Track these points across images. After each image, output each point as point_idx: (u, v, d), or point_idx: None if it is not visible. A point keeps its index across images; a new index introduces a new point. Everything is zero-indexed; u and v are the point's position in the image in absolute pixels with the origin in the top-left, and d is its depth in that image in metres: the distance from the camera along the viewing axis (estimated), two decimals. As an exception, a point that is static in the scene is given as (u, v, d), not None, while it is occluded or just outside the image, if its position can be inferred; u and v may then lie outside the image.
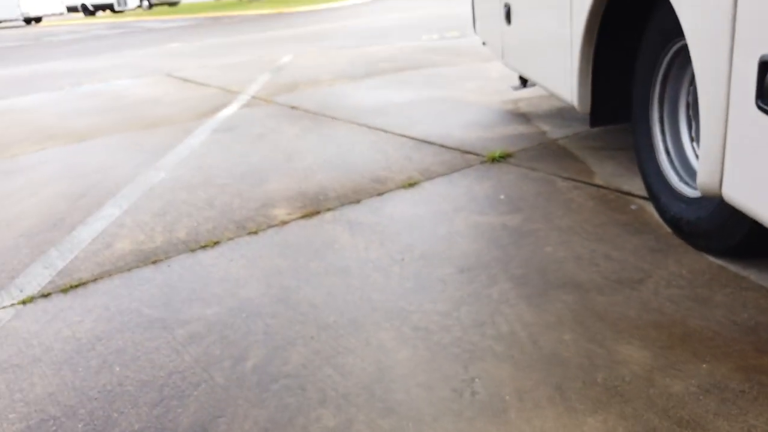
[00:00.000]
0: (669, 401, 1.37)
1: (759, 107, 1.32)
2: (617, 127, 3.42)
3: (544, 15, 2.81)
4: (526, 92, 4.30)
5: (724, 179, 1.50)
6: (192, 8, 27.15)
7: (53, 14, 29.39)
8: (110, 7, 31.75)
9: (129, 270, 2.29)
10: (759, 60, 1.30)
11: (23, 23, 29.11)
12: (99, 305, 2.06)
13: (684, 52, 1.92)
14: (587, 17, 2.29)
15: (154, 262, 2.33)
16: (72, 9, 33.31)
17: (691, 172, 2.03)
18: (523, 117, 3.84)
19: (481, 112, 4.05)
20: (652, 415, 1.34)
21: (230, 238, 2.47)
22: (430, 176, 2.92)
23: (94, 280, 2.24)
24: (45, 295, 2.17)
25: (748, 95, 1.35)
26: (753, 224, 1.71)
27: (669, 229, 2.12)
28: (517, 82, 4.14)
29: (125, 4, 31.03)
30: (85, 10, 32.65)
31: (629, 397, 1.40)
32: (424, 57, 6.76)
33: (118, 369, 1.71)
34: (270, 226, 2.55)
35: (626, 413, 1.35)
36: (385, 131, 3.81)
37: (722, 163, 1.49)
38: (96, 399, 1.60)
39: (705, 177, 1.57)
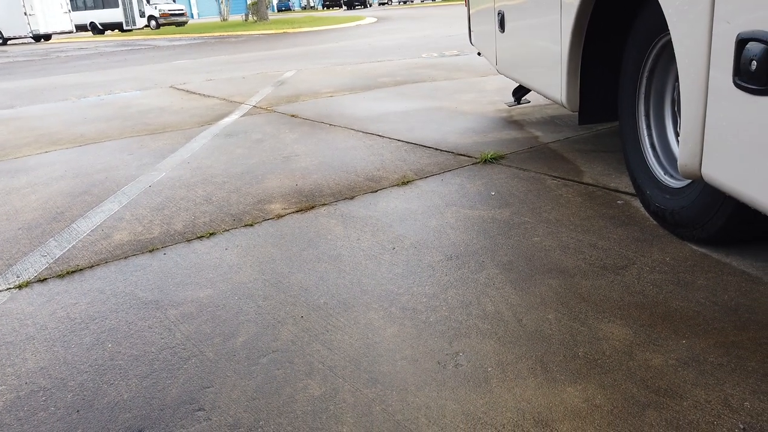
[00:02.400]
0: (648, 372, 1.40)
1: (736, 85, 1.37)
2: (608, 131, 3.48)
3: (535, 19, 2.90)
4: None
5: (704, 160, 1.55)
6: (199, 28, 27.62)
7: (62, 32, 29.88)
8: (119, 26, 32.32)
9: (125, 258, 2.33)
10: (736, 38, 1.35)
11: (32, 40, 29.59)
12: (94, 289, 2.10)
13: (669, 47, 1.98)
14: (575, 18, 2.37)
15: (150, 251, 2.37)
16: (81, 27, 33.89)
17: (676, 165, 2.08)
18: (517, 124, 3.91)
19: (476, 120, 4.12)
20: (631, 385, 1.37)
21: (226, 230, 2.52)
22: (423, 175, 2.98)
23: (91, 267, 2.28)
24: (41, 280, 2.20)
25: (726, 73, 1.40)
26: (733, 211, 1.75)
27: (654, 222, 2.16)
28: (512, 99, 4.22)
29: (133, 23, 31.58)
30: (93, 28, 33.22)
31: (609, 369, 1.43)
32: (423, 72, 6.87)
33: (110, 346, 1.74)
34: (265, 220, 2.60)
35: (605, 383, 1.38)
36: (382, 136, 3.87)
37: (702, 144, 1.54)
38: (87, 372, 1.62)
39: (686, 159, 1.61)
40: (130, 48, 18.07)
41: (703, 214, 1.84)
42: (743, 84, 1.33)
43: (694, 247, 1.96)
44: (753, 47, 1.29)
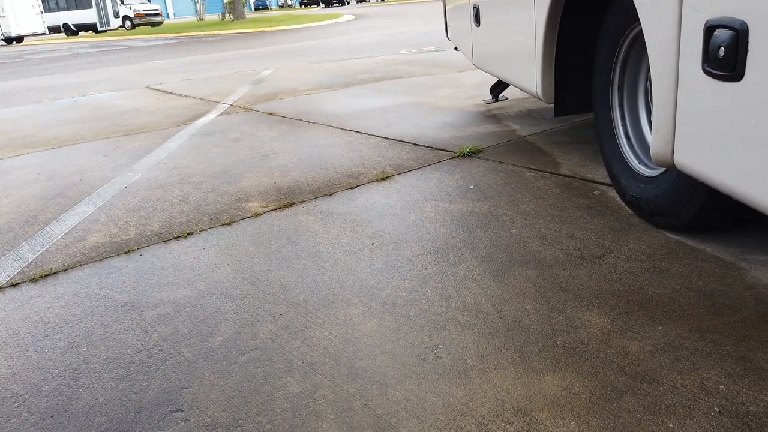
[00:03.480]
0: (625, 359, 1.41)
1: (705, 72, 1.38)
2: (584, 123, 3.51)
3: (509, 13, 2.90)
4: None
5: (676, 147, 1.56)
6: (175, 28, 27.29)
7: (35, 34, 29.32)
8: (92, 27, 31.80)
9: (100, 260, 2.29)
10: (705, 25, 1.36)
11: (4, 43, 28.99)
12: (68, 292, 2.06)
13: (641, 38, 2.00)
14: (548, 11, 2.38)
15: (126, 252, 2.33)
16: (54, 29, 33.28)
17: (650, 154, 2.10)
18: (494, 118, 3.92)
19: (455, 115, 4.12)
20: (609, 372, 1.38)
21: (203, 229, 2.48)
22: (402, 171, 2.97)
23: (65, 270, 2.24)
24: (13, 285, 2.16)
25: (695, 61, 1.42)
26: (706, 199, 1.77)
27: (630, 211, 2.18)
28: (490, 96, 4.24)
29: (108, 23, 31.09)
30: (67, 30, 32.65)
31: (587, 357, 1.44)
32: (402, 68, 6.87)
33: (85, 349, 1.71)
34: (244, 218, 2.57)
35: (583, 371, 1.39)
36: (361, 133, 3.86)
37: (673, 132, 1.56)
38: (61, 376, 1.59)
39: (658, 147, 1.63)
40: (104, 49, 17.80)
41: (677, 202, 1.86)
42: (712, 71, 1.35)
43: (669, 235, 1.98)
44: (721, 34, 1.30)
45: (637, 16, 1.73)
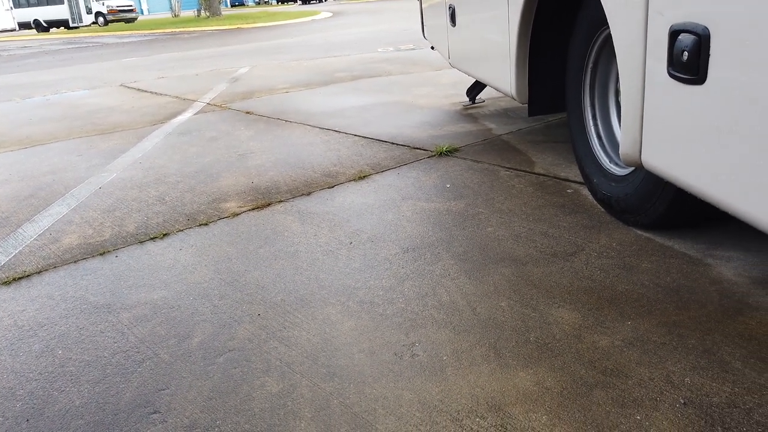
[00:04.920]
0: (595, 354, 1.45)
1: (670, 75, 1.43)
2: (558, 122, 3.57)
3: (484, 13, 2.94)
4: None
5: (643, 147, 1.61)
6: (149, 24, 26.89)
7: (3, 30, 28.64)
8: (64, 23, 31.15)
9: (75, 262, 2.27)
10: (669, 29, 1.41)
11: (-29, 40, 28.21)
12: (42, 295, 2.04)
13: (610, 40, 2.05)
14: (522, 11, 2.42)
15: (101, 254, 2.31)
16: (24, 25, 32.53)
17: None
18: (471, 117, 3.96)
19: (432, 114, 4.16)
20: (579, 366, 1.42)
21: (180, 230, 2.47)
22: (380, 170, 2.99)
23: (39, 272, 2.21)
24: (-14, 288, 2.13)
25: (661, 64, 1.46)
26: (673, 197, 1.82)
27: (601, 209, 2.24)
28: (466, 99, 4.27)
29: (80, 20, 30.48)
30: (38, 26, 31.92)
31: (559, 352, 1.47)
32: (380, 66, 6.88)
33: (60, 352, 1.70)
34: (221, 218, 2.57)
35: (555, 366, 1.43)
36: (338, 132, 3.87)
37: (641, 132, 1.60)
38: (36, 380, 1.58)
39: (627, 147, 1.68)
40: (77, 46, 17.47)
41: (646, 201, 1.92)
42: (676, 74, 1.39)
43: (639, 232, 2.04)
44: (684, 38, 1.34)
45: (606, 19, 1.77)
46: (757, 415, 1.21)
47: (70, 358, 1.66)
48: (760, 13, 1.13)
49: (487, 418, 1.28)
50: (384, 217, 2.40)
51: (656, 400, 1.28)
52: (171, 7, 33.92)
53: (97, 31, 25.50)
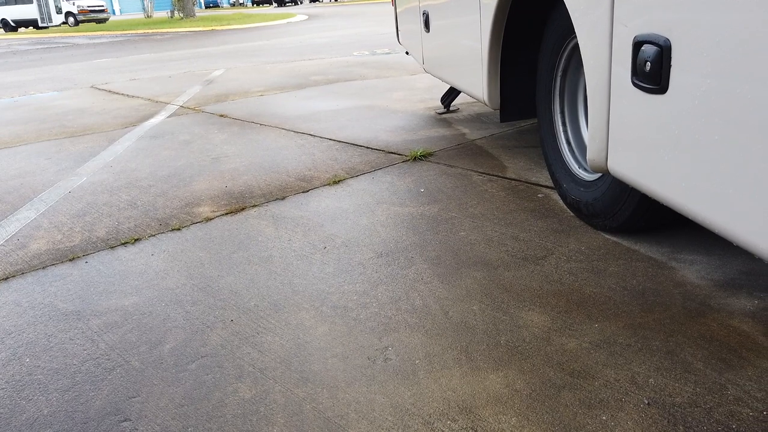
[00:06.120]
0: (564, 356, 1.49)
1: (634, 84, 1.47)
2: (530, 127, 3.63)
3: (457, 19, 2.98)
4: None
5: (609, 154, 1.65)
6: (121, 25, 26.47)
7: (-31, 30, 27.87)
8: (33, 23, 30.48)
9: (44, 268, 2.23)
10: (633, 40, 1.45)
11: (-65, 39, 27.41)
12: (9, 302, 2.00)
13: (579, 49, 2.09)
14: (493, 19, 2.46)
15: (71, 260, 2.28)
16: (-10, 25, 31.72)
17: (589, 159, 2.20)
18: (445, 122, 4.00)
19: (406, 118, 4.19)
20: (548, 369, 1.45)
21: (152, 235, 2.45)
22: (354, 174, 3.00)
23: (5, 278, 2.17)
24: (-49, 295, 2.08)
25: (625, 74, 1.51)
26: (639, 202, 1.87)
27: (571, 213, 2.28)
28: (441, 106, 4.31)
29: (50, 20, 29.84)
30: (5, 25, 31.16)
31: (528, 355, 1.50)
32: (355, 70, 6.90)
33: (28, 360, 1.67)
34: (194, 223, 2.55)
35: (525, 368, 1.46)
36: (313, 135, 3.87)
37: (607, 139, 1.65)
38: (3, 389, 1.55)
39: (594, 154, 1.72)
40: (46, 46, 17.11)
41: (613, 205, 1.96)
42: (640, 83, 1.44)
43: (607, 236, 2.09)
44: (647, 49, 1.39)
45: (574, 28, 1.81)
46: (717, 414, 1.25)
47: (38, 366, 1.64)
48: (718, 26, 1.18)
49: (458, 420, 1.30)
50: (358, 221, 2.42)
51: (621, 400, 1.32)
52: (143, 8, 33.47)
53: (68, 32, 25.02)
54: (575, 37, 2.04)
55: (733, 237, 1.23)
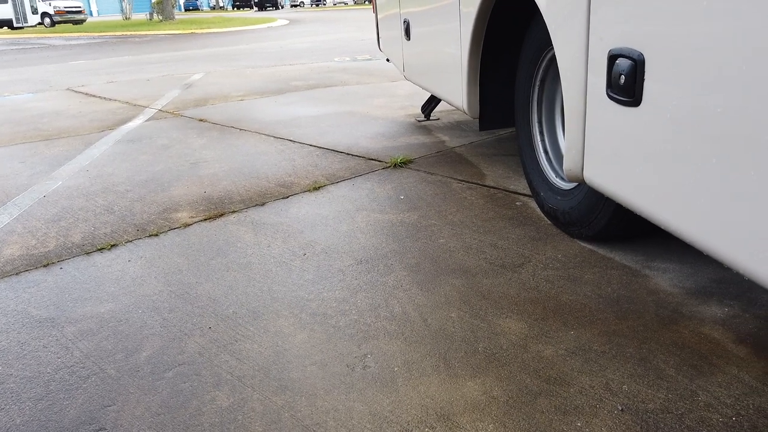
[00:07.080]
0: (540, 363, 1.51)
1: (609, 96, 1.51)
2: (509, 136, 3.68)
3: (437, 27, 3.01)
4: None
5: (585, 164, 1.69)
6: (99, 26, 26.12)
7: (-59, 29, 27.26)
8: (8, 23, 29.91)
9: (17, 274, 2.19)
10: (608, 54, 1.49)
11: None
12: (-19, 309, 1.96)
13: (556, 60, 2.13)
14: (473, 29, 2.49)
15: (45, 266, 2.24)
16: (-38, 24, 31.05)
17: (566, 168, 2.24)
18: (425, 129, 4.03)
19: (387, 125, 4.20)
20: (525, 376, 1.47)
21: (129, 241, 2.42)
22: (335, 180, 3.01)
23: (-23, 285, 2.13)
24: None
25: (601, 85, 1.54)
26: (614, 211, 1.91)
27: (548, 221, 2.32)
28: (421, 114, 4.34)
29: (25, 20, 29.33)
30: (-22, 25, 30.55)
31: (506, 362, 1.52)
32: (336, 76, 6.91)
33: (0, 368, 1.64)
34: (172, 229, 2.52)
35: (502, 375, 1.47)
36: (294, 141, 3.87)
37: (583, 150, 1.68)
38: (-26, 398, 1.52)
39: (570, 164, 1.75)
40: (21, 47, 16.81)
41: (589, 214, 2.00)
42: (614, 96, 1.47)
43: (583, 244, 2.13)
44: (621, 62, 1.42)
45: (551, 39, 1.85)
46: (688, 420, 1.28)
47: (11, 375, 1.61)
48: (690, 41, 1.21)
49: (436, 428, 1.31)
50: (338, 228, 2.42)
51: (596, 407, 1.34)
52: (122, 10, 33.06)
53: (43, 33, 24.60)
54: (552, 48, 2.07)
55: (703, 246, 1.26)
